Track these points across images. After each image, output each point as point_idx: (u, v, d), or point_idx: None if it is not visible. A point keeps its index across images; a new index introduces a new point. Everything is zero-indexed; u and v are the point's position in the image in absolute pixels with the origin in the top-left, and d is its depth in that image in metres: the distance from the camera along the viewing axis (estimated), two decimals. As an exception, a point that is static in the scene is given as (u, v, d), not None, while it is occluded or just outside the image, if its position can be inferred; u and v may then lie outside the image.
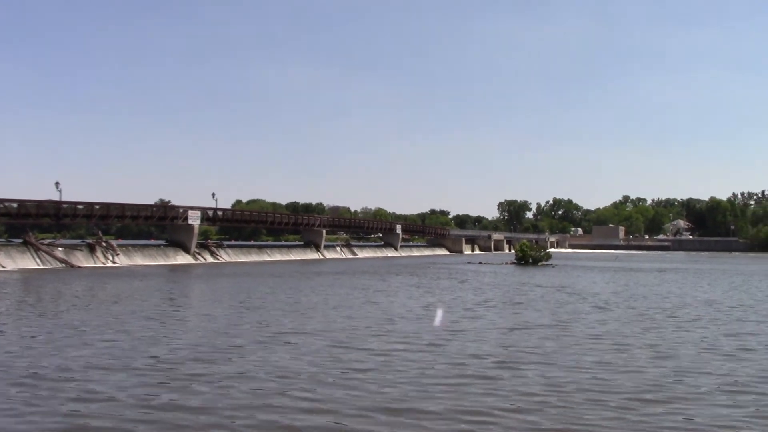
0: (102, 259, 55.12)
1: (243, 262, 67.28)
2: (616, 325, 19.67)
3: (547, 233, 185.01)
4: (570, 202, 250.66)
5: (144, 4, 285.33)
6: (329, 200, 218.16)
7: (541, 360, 13.99)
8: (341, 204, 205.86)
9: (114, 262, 55.20)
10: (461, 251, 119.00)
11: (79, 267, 50.89)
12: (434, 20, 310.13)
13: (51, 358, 13.68)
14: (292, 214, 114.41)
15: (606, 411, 9.96)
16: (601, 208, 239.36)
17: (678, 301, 28.24)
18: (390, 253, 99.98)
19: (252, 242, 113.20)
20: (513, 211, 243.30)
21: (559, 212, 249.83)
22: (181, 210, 66.76)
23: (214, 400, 10.43)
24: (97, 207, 60.58)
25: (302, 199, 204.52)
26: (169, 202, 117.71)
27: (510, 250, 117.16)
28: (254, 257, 72.26)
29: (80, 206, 59.59)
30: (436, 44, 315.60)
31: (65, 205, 58.13)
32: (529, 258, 67.25)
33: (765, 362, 14.03)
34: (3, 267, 46.25)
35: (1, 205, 52.86)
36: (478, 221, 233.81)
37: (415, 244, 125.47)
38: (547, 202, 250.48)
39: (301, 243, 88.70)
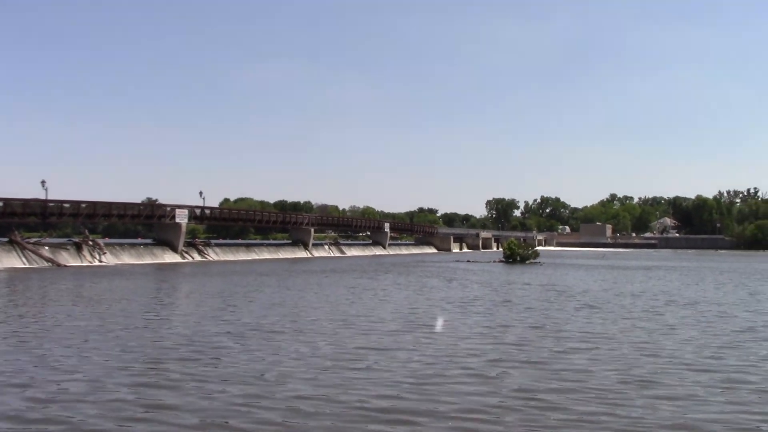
0: (89, 258, 54.81)
1: (231, 260, 67.06)
2: (603, 323, 19.74)
3: (534, 231, 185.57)
4: (558, 200, 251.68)
5: (131, 2, 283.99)
6: (317, 199, 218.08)
7: (529, 358, 14.03)
8: (329, 202, 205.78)
9: (101, 261, 54.89)
10: (449, 249, 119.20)
11: (66, 266, 50.57)
12: (422, 18, 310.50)
13: (34, 358, 13.59)
14: (280, 212, 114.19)
15: (594, 408, 10.00)
16: (589, 206, 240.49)
17: (665, 298, 28.40)
18: (378, 251, 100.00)
19: (240, 241, 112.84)
20: (501, 209, 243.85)
21: (547, 210, 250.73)
22: (168, 208, 66.47)
23: (198, 400, 10.39)
24: (84, 206, 60.21)
25: (290, 198, 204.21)
26: (156, 200, 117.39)
27: (498, 249, 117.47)
28: (242, 256, 72.07)
29: (67, 205, 59.16)
30: (425, 42, 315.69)
31: (51, 204, 57.73)
32: (517, 256, 67.45)
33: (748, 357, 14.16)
34: (-12, 266, 45.93)
35: (-13, 204, 52.50)
36: (467, 219, 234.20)
37: (403, 242, 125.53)
38: (535, 200, 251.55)
39: (290, 241, 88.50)
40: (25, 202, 55.75)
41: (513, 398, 10.59)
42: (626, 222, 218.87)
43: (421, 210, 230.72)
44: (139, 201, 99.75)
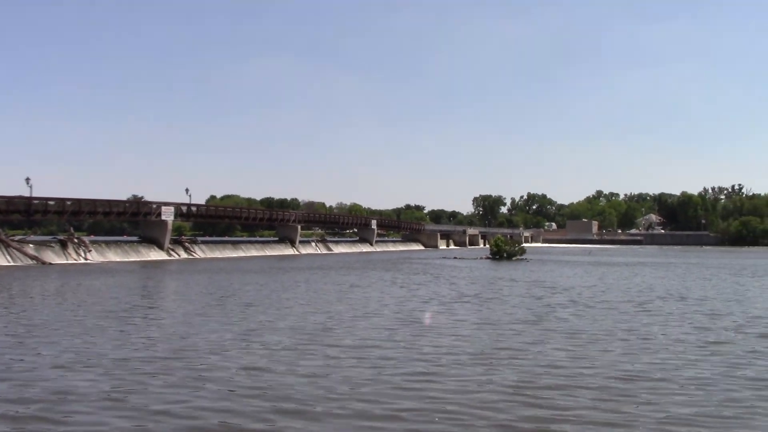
0: (74, 255, 54.47)
1: (217, 258, 66.85)
2: (590, 319, 19.83)
3: (521, 228, 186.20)
4: (544, 197, 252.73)
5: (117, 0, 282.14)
6: (304, 196, 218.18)
7: (514, 355, 14.07)
8: (316, 199, 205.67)
9: (86, 259, 54.57)
10: (436, 246, 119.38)
11: (51, 264, 50.25)
12: (409, 16, 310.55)
13: (17, 357, 13.51)
14: (267, 209, 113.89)
15: (581, 402, 10.05)
16: (575, 203, 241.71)
17: (650, 294, 28.57)
18: (365, 248, 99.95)
19: (226, 238, 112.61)
20: (488, 206, 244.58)
21: (534, 207, 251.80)
22: (154, 206, 66.11)
23: (182, 399, 10.36)
24: (69, 203, 59.78)
25: (277, 195, 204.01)
26: (142, 197, 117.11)
27: (485, 245, 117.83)
28: (229, 253, 71.83)
29: (51, 202, 58.67)
30: (413, 40, 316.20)
31: (36, 201, 57.22)
32: (503, 253, 67.62)
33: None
34: (-28, 264, 45.57)
35: (-29, 202, 52.04)
36: (453, 216, 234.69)
37: (390, 239, 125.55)
38: (522, 197, 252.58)
39: (276, 239, 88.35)
40: (9, 200, 55.22)
41: (498, 393, 10.64)
42: (612, 218, 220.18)
43: (408, 207, 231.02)
44: (124, 198, 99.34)
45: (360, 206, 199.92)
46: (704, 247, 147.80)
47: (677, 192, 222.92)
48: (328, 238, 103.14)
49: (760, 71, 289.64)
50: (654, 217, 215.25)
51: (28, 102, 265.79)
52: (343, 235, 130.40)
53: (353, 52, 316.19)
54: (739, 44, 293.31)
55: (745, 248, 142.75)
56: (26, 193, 57.54)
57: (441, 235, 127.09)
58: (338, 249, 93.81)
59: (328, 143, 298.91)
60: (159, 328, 17.75)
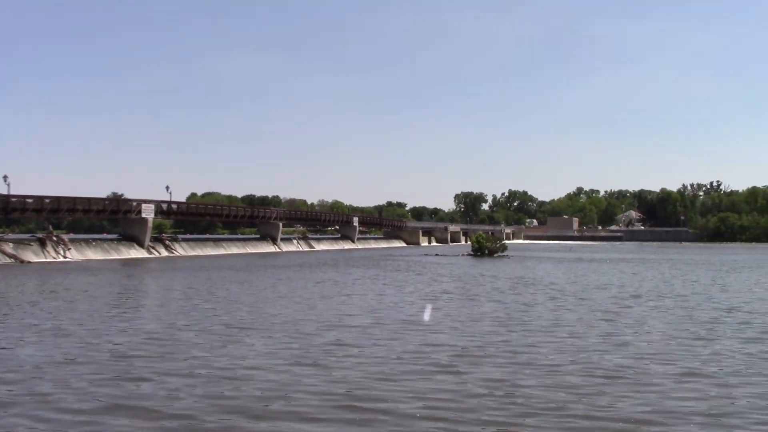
0: (53, 253, 53.98)
1: (198, 255, 66.52)
2: (570, 315, 19.94)
3: (503, 225, 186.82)
4: (525, 193, 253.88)
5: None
6: (286, 193, 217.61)
7: (498, 352, 14.12)
8: (298, 197, 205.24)
9: (65, 257, 54.10)
10: (418, 243, 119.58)
11: (29, 262, 49.77)
12: (392, 13, 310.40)
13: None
14: (248, 206, 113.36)
15: (562, 396, 10.11)
16: (556, 199, 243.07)
17: (630, 290, 28.80)
18: (347, 245, 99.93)
19: (207, 236, 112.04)
20: (469, 202, 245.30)
21: (515, 204, 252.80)
22: (134, 203, 65.62)
23: (163, 399, 10.31)
24: (47, 201, 59.19)
25: (258, 192, 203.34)
26: (122, 195, 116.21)
27: (466, 242, 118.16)
28: (210, 251, 71.51)
29: (29, 200, 58.02)
30: (395, 37, 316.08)
31: (14, 199, 56.55)
32: (485, 249, 67.80)
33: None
34: (-51, 263, 45.01)
35: (-53, 200, 51.40)
36: (435, 213, 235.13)
37: (372, 236, 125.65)
38: (503, 194, 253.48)
39: (258, 236, 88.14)
40: (-13, 198, 54.67)
41: (481, 388, 10.68)
42: (592, 215, 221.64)
43: (389, 204, 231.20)
44: (104, 196, 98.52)
45: (342, 203, 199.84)
46: (683, 243, 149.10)
47: (657, 189, 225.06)
48: (310, 236, 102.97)
49: (739, 69, 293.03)
50: (634, 214, 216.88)
51: (4, 98, 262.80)
52: (325, 233, 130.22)
53: (335, 49, 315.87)
54: (718, 42, 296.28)
55: (723, 244, 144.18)
56: (4, 191, 56.97)
57: (423, 232, 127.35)
58: (320, 246, 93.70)
59: (310, 140, 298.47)
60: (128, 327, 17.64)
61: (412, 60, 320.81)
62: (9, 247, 51.32)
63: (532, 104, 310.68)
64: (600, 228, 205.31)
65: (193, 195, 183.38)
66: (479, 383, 11.12)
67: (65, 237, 59.92)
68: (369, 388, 10.77)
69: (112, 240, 65.71)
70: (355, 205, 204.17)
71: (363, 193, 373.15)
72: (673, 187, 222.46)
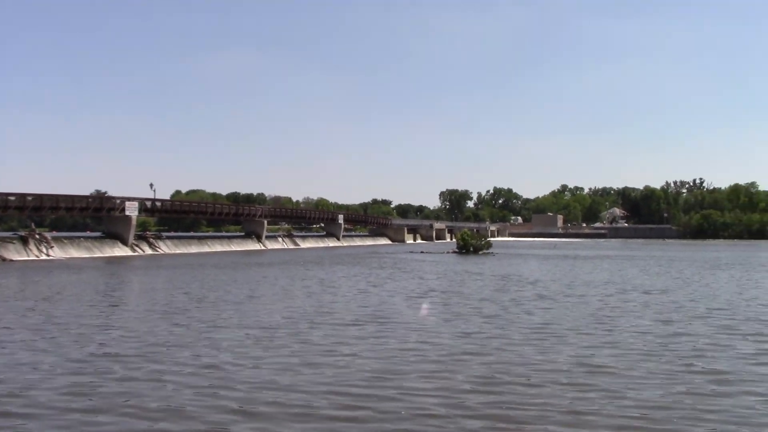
0: (35, 252, 53.57)
1: (183, 253, 66.24)
2: (555, 313, 20.03)
3: (487, 222, 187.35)
4: (510, 191, 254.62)
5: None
6: (271, 190, 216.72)
7: (482, 350, 14.17)
8: (283, 194, 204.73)
9: (48, 255, 53.70)
10: (403, 240, 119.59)
11: (11, 260, 49.38)
12: (376, 11, 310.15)
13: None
14: (233, 204, 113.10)
15: (546, 391, 10.17)
16: (540, 197, 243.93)
17: (612, 288, 28.98)
18: (332, 243, 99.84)
19: (192, 233, 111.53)
20: (454, 200, 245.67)
21: (500, 201, 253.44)
22: (118, 201, 65.25)
23: (146, 398, 10.26)
24: (30, 198, 58.73)
25: (243, 190, 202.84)
26: (105, 193, 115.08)
27: (451, 239, 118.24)
28: (194, 248, 71.21)
29: (12, 198, 57.55)
30: (379, 34, 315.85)
31: (-4, 197, 56.21)
32: (470, 247, 67.97)
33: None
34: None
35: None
36: (420, 210, 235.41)
37: (357, 233, 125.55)
38: (488, 191, 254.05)
39: (243, 234, 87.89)
40: (-32, 196, 54.18)
41: (466, 384, 10.72)
42: (577, 212, 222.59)
43: (375, 201, 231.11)
44: (87, 193, 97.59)
45: (327, 201, 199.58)
46: (666, 240, 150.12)
47: (640, 186, 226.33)
48: (295, 233, 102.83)
49: (722, 67, 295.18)
50: (618, 211, 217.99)
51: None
52: (310, 230, 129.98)
53: (321, 47, 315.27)
54: (701, 40, 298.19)
55: (706, 241, 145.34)
56: (-14, 189, 56.49)
57: (408, 230, 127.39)
58: (305, 244, 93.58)
59: (295, 138, 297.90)
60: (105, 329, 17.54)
61: (398, 58, 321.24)
62: (-9, 246, 50.93)
63: (517, 102, 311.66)
64: (584, 225, 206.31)
65: (178, 192, 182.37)
66: (466, 381, 11.17)
67: (48, 235, 59.52)
68: (356, 385, 10.79)
69: (95, 238, 65.26)
70: (340, 202, 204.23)
71: (348, 190, 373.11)
72: (657, 184, 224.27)
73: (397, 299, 23.90)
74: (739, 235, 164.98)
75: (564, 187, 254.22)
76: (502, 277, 35.25)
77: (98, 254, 58.03)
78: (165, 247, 67.45)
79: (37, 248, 54.08)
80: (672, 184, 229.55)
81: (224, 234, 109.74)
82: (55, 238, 58.78)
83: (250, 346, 14.36)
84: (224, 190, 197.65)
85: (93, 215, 71.46)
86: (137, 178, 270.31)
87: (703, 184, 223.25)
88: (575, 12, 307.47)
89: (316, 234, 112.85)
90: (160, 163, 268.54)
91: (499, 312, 20.14)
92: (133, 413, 9.33)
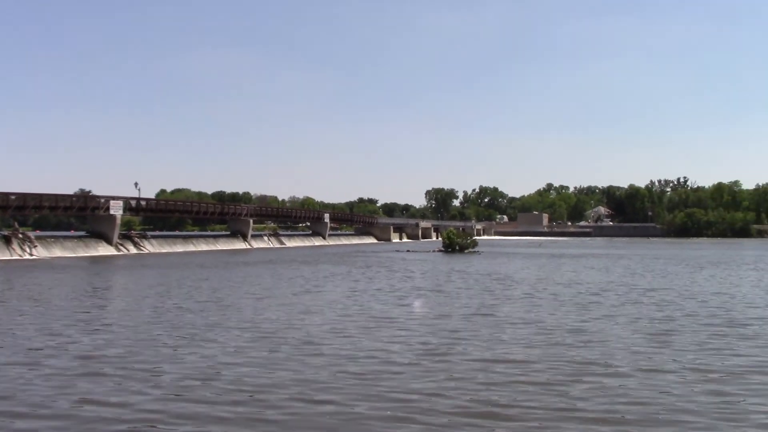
0: (19, 251, 53.16)
1: (168, 252, 65.98)
2: (539, 310, 20.13)
3: (473, 221, 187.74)
4: (496, 190, 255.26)
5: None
6: (256, 189, 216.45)
7: (467, 347, 14.22)
8: (269, 193, 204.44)
9: (32, 255, 53.31)
10: (389, 239, 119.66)
11: (-6, 260, 49.04)
12: (359, 9, 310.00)
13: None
14: (218, 203, 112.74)
15: (535, 391, 10.23)
16: (526, 195, 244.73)
17: (598, 286, 29.15)
18: (318, 242, 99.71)
19: (177, 233, 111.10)
20: (440, 199, 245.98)
21: (486, 200, 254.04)
22: (102, 200, 64.87)
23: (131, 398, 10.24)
24: (13, 197, 58.24)
25: (229, 189, 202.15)
26: (89, 192, 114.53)
27: (437, 238, 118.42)
28: (179, 248, 70.93)
29: (-6, 197, 57.20)
30: (363, 33, 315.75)
31: (-22, 196, 55.73)
32: (456, 245, 68.13)
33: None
34: None
35: None
36: (406, 209, 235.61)
37: (343, 232, 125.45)
38: (474, 190, 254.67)
39: (228, 233, 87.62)
40: (-50, 194, 53.68)
41: (452, 382, 10.76)
42: (562, 211, 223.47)
43: (361, 200, 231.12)
44: (71, 192, 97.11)
45: (313, 200, 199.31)
46: (651, 239, 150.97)
47: (625, 185, 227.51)
48: (281, 232, 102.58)
49: (705, 67, 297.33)
50: (603, 210, 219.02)
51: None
52: (296, 229, 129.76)
53: (306, 46, 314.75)
54: (684, 39, 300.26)
55: (690, 239, 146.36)
56: (-32, 188, 55.97)
57: (394, 229, 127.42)
58: (291, 243, 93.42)
59: (281, 137, 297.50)
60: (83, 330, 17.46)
61: (383, 56, 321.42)
62: (-27, 245, 50.50)
63: (503, 101, 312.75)
64: (569, 224, 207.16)
65: (163, 191, 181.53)
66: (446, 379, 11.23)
67: (31, 234, 59.10)
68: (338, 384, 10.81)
69: (79, 237, 64.85)
70: (326, 201, 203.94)
71: (334, 189, 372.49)
72: (641, 183, 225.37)
73: (386, 298, 23.94)
74: (723, 234, 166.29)
75: (549, 186, 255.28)
76: (487, 275, 35.35)
77: (82, 254, 57.67)
78: (150, 247, 67.14)
79: (21, 248, 53.68)
80: (656, 183, 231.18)
81: (210, 233, 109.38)
82: (38, 238, 58.42)
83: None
84: (209, 189, 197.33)
85: (77, 214, 71.05)
86: (122, 176, 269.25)
87: (687, 183, 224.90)
88: (560, 11, 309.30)
89: (302, 233, 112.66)
90: (144, 162, 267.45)
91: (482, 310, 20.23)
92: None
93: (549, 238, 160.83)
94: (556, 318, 18.52)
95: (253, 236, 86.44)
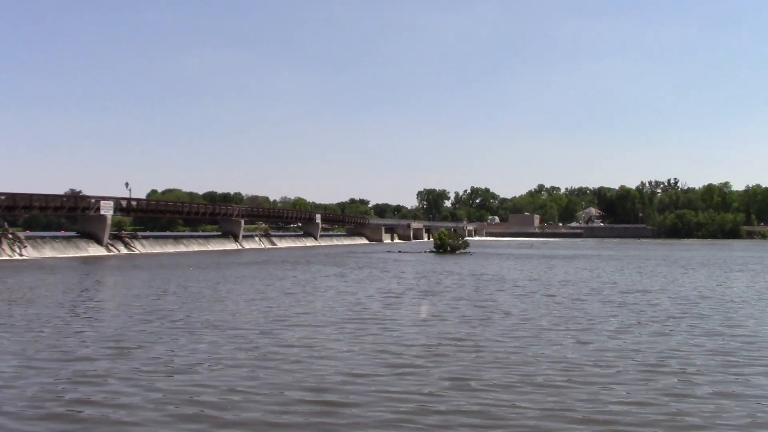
0: (8, 251, 52.87)
1: (158, 253, 65.72)
2: (529, 311, 20.15)
3: (465, 221, 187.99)
4: (487, 191, 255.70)
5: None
6: (248, 190, 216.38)
7: (460, 347, 14.22)
8: (260, 194, 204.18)
9: (21, 255, 53.03)
10: (381, 240, 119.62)
11: (-17, 260, 48.75)
12: (352, 8, 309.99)
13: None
14: (210, 203, 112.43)
15: (528, 392, 10.23)
16: (517, 196, 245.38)
17: (589, 286, 29.22)
18: (309, 242, 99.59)
19: (168, 233, 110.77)
20: (432, 199, 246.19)
21: (477, 201, 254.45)
22: (92, 200, 64.56)
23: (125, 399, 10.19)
24: (2, 197, 57.85)
25: (220, 189, 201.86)
26: (80, 192, 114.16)
27: (429, 239, 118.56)
28: (170, 248, 70.66)
29: (-16, 196, 56.85)
30: (356, 33, 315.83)
31: (-33, 196, 55.38)
32: (447, 246, 68.17)
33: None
34: None
35: None
36: (398, 210, 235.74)
37: (334, 233, 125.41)
38: (465, 191, 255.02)
39: (219, 233, 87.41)
40: (-61, 195, 53.31)
41: (444, 383, 10.75)
42: (553, 212, 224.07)
43: (352, 201, 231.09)
44: (62, 192, 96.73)
45: (304, 200, 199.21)
46: (641, 240, 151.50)
47: (616, 186, 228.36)
48: (272, 233, 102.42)
49: (696, 68, 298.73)
50: (594, 211, 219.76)
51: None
52: (288, 230, 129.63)
53: (298, 46, 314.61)
54: (676, 41, 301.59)
55: (680, 240, 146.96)
56: (-43, 188, 55.62)
57: (385, 229, 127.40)
58: (282, 243, 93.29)
59: (273, 137, 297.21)
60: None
61: (375, 57, 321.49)
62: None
63: (494, 102, 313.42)
64: (561, 225, 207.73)
65: (154, 192, 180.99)
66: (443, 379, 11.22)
67: (21, 235, 58.76)
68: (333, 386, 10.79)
69: (69, 238, 64.52)
70: (317, 202, 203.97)
71: (326, 190, 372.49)
72: (632, 184, 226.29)
73: (377, 297, 23.93)
74: (713, 235, 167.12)
75: (541, 187, 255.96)
76: (477, 276, 35.38)
77: (73, 254, 57.40)
78: (141, 247, 66.89)
79: (10, 248, 53.39)
80: (647, 184, 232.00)
81: (201, 234, 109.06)
82: (28, 238, 58.11)
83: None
84: (201, 190, 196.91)
85: (67, 215, 70.72)
86: (112, 177, 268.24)
87: (678, 184, 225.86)
88: (552, 12, 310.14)
89: (293, 234, 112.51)
90: (135, 163, 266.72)
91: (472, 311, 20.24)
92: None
93: (540, 239, 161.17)
94: (558, 319, 18.53)
95: (244, 237, 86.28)
